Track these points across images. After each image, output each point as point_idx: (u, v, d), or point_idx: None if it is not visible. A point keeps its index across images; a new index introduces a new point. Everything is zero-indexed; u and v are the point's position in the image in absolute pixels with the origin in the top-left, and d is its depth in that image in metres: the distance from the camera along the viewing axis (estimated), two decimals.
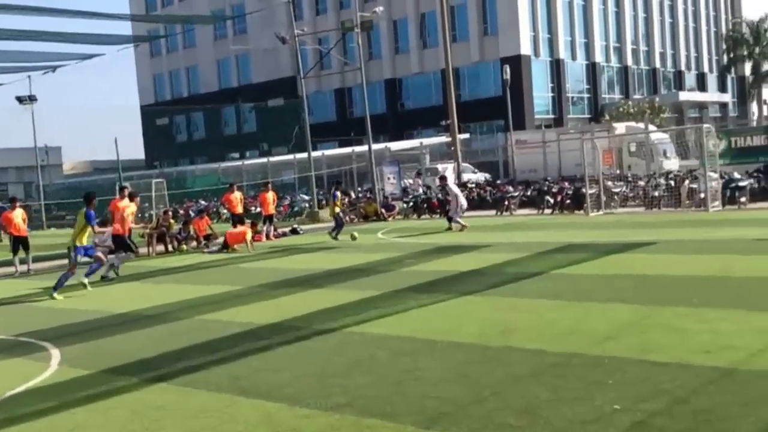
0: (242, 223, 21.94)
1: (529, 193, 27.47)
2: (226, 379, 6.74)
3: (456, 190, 21.60)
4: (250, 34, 63.69)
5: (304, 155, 33.06)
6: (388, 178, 31.69)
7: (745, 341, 6.53)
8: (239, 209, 22.71)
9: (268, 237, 22.90)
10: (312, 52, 50.20)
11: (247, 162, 51.99)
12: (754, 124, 50.20)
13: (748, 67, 67.01)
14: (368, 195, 30.86)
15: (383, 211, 28.12)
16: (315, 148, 37.03)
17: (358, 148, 39.16)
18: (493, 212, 26.08)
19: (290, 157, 43.75)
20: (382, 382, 6.28)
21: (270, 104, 51.29)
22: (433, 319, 8.90)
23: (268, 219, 23.32)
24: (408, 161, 38.98)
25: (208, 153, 64.35)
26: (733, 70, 69.55)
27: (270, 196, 23.53)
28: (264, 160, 48.18)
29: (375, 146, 32.71)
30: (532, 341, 7.27)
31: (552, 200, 24.83)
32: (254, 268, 15.96)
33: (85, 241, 13.54)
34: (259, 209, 25.82)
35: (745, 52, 62.80)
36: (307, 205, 32.62)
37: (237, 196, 22.79)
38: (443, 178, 22.83)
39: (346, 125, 57.95)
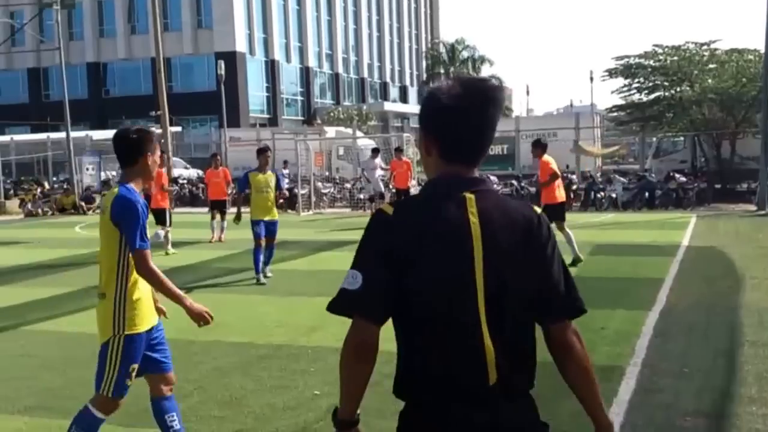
0: None
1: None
2: None
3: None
4: None
5: None
6: (87, 169, 29.70)
7: None
8: None
9: None
10: (2, 25, 45.19)
11: None
12: None
13: None
14: (65, 186, 28.62)
15: (82, 203, 26.31)
16: (3, 132, 33.44)
17: (54, 135, 35.96)
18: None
19: None
20: (78, 383, 5.87)
21: None
22: None
23: None
24: (112, 152, 36.72)
25: None
26: (431, 85, 76.11)
27: None
28: None
29: (74, 134, 30.36)
30: (240, 335, 7.30)
31: None
32: None
33: None
34: None
35: (442, 71, 69.03)
36: None
37: None
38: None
39: (40, 109, 52.93)
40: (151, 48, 41.89)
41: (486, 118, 1.97)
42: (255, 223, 10.46)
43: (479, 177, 2.02)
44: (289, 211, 24.10)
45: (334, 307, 1.95)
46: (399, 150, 19.70)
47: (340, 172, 30.84)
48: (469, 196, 1.92)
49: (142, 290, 3.79)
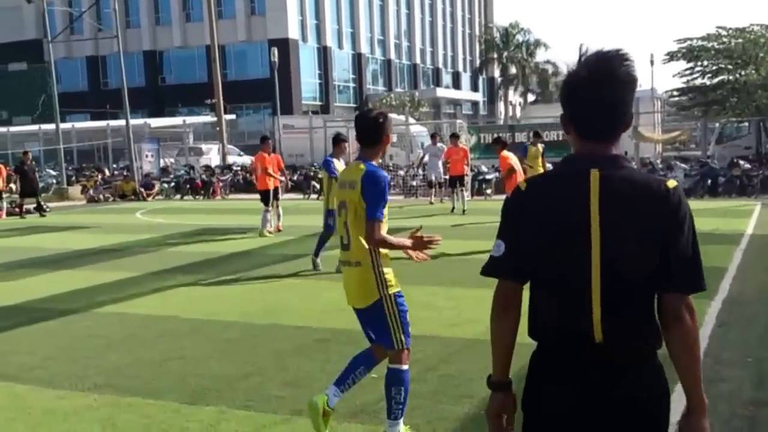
0: None
1: (295, 178, 27.71)
2: None
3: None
4: None
5: (51, 127, 30.49)
6: (146, 156, 30.35)
7: (485, 315, 7.16)
8: None
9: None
10: (61, 14, 46.38)
11: None
12: (501, 122, 54.95)
13: (497, 70, 72.87)
14: (125, 173, 29.30)
15: (142, 190, 26.91)
16: (64, 120, 34.31)
17: (113, 123, 36.84)
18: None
19: (35, 128, 40.08)
20: (142, 362, 6.07)
21: (11, 68, 46.53)
22: (197, 299, 8.74)
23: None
24: (170, 139, 37.49)
25: None
26: (484, 71, 75.27)
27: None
28: (3, 129, 43.59)
29: (133, 121, 30.99)
30: (298, 319, 7.41)
31: (318, 185, 25.30)
32: None
33: None
34: None
35: (495, 56, 68.16)
36: (54, 181, 30.16)
37: None
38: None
39: (99, 97, 54.25)
40: (205, 36, 42.51)
41: (609, 95, 2.05)
42: (329, 213, 9.75)
43: (612, 154, 2.11)
44: None
45: (485, 270, 2.29)
46: (455, 136, 19.24)
47: (393, 159, 30.82)
48: (595, 173, 2.05)
49: (388, 255, 4.17)
